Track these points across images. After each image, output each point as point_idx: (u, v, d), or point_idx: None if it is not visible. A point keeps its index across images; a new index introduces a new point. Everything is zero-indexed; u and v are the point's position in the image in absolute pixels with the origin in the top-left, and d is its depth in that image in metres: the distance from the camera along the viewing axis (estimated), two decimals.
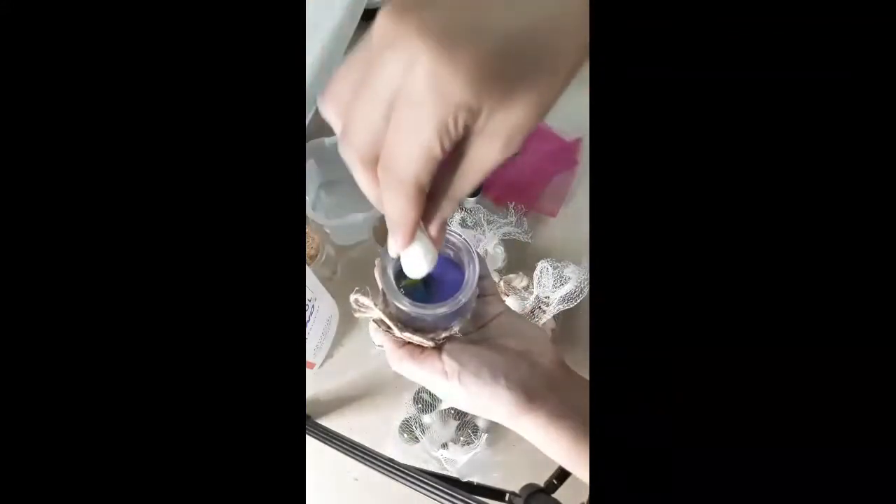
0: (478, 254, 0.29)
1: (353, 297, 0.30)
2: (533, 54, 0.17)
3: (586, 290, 0.58)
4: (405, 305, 0.27)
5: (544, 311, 0.60)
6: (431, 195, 0.20)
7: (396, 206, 0.19)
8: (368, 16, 0.96)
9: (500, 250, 0.65)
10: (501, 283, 0.63)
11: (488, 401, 0.27)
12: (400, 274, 0.30)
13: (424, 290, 0.30)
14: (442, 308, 0.27)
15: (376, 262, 0.29)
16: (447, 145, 0.17)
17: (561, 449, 0.28)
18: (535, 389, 0.28)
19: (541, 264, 0.60)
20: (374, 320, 0.30)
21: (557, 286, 0.58)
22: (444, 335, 0.29)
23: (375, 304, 0.29)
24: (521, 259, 0.68)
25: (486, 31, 0.16)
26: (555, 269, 0.59)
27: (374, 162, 0.19)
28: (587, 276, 0.58)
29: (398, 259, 0.27)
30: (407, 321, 0.29)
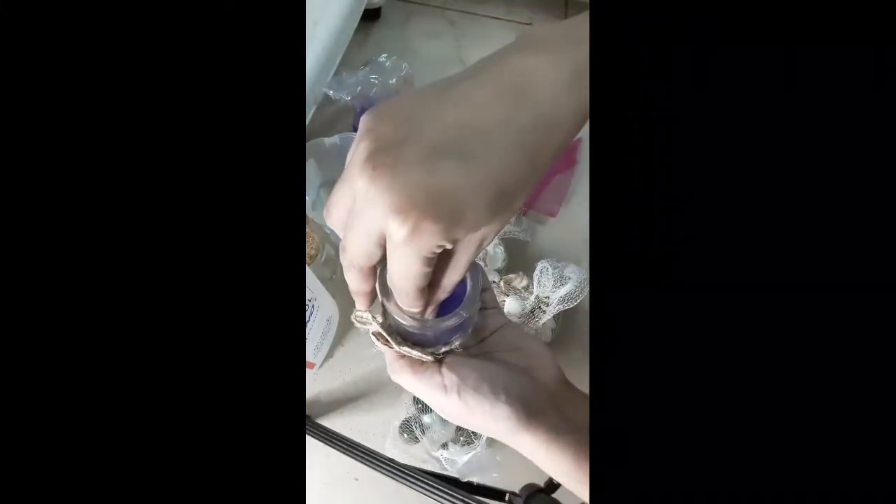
0: (481, 266, 0.29)
1: (353, 315, 0.29)
2: (498, 200, 0.20)
3: (586, 290, 0.58)
4: (405, 320, 0.27)
5: (544, 311, 0.60)
6: (430, 286, 0.24)
7: (406, 303, 0.25)
8: (368, 16, 0.96)
9: (500, 250, 0.65)
10: (501, 283, 0.63)
11: (487, 416, 0.27)
12: None
13: None
14: (443, 324, 0.27)
15: (378, 272, 0.28)
16: (433, 264, 0.22)
17: (561, 466, 0.27)
18: (536, 405, 0.27)
19: (541, 264, 0.60)
20: (372, 333, 0.29)
21: (557, 286, 0.58)
22: (444, 349, 0.29)
23: (374, 318, 0.29)
24: (521, 259, 0.68)
25: (450, 189, 0.20)
26: (555, 269, 0.59)
27: (366, 270, 0.24)
28: (587, 276, 0.58)
29: None
30: (406, 335, 0.28)
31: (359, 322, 0.29)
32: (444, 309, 0.29)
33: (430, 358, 0.28)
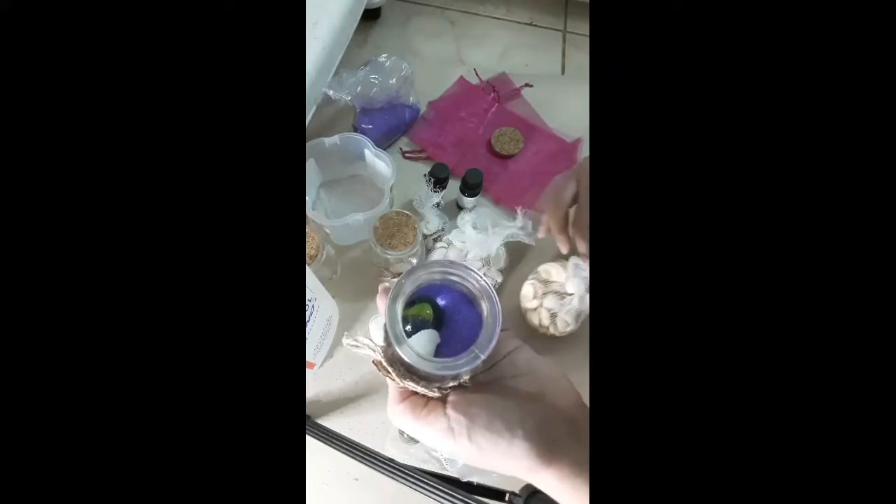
0: (496, 298, 0.26)
1: (346, 341, 0.27)
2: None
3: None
4: (410, 358, 0.24)
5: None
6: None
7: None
8: (368, 16, 0.96)
9: (503, 251, 0.65)
10: (541, 272, 0.61)
11: (504, 457, 0.24)
12: (410, 302, 0.27)
13: (434, 324, 0.27)
14: (455, 363, 0.24)
15: (380, 288, 0.26)
16: None
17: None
18: (556, 437, 0.25)
19: (572, 263, 0.60)
20: (373, 361, 0.26)
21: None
22: (451, 384, 0.26)
23: (373, 349, 0.26)
24: (521, 259, 0.68)
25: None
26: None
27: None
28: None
29: (412, 284, 0.26)
30: (411, 367, 0.25)
31: (353, 347, 0.27)
32: (453, 332, 0.26)
33: (435, 393, 0.26)
